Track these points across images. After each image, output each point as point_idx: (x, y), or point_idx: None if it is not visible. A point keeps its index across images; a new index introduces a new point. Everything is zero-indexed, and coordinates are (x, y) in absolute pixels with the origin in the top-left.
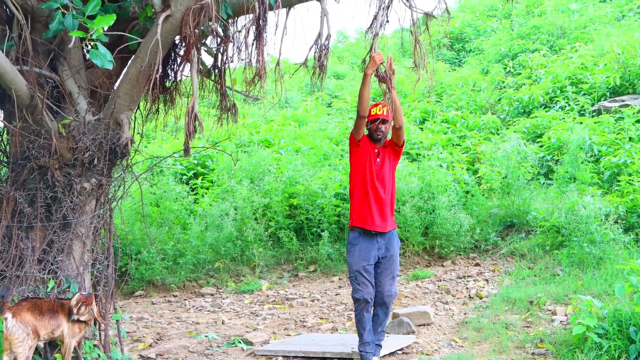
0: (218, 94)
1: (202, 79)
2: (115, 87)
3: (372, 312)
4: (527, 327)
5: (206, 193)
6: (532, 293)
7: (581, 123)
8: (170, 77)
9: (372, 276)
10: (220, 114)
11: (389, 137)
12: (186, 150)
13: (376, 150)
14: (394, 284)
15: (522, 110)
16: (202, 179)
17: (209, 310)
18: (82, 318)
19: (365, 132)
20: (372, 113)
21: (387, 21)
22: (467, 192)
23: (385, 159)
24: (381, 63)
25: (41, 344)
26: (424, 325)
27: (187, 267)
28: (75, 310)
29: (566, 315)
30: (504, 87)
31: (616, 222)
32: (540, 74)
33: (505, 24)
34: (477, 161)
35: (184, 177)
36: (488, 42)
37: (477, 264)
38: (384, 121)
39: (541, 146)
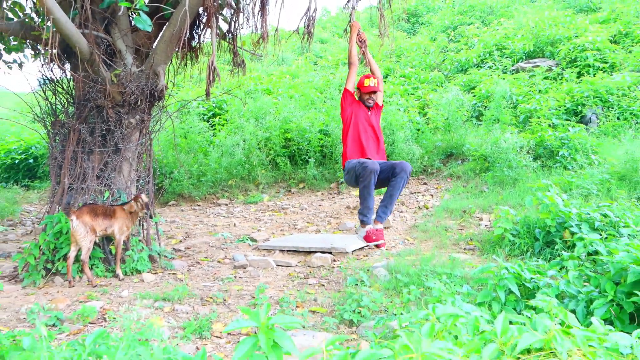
0: (231, 53)
1: (219, 41)
2: (153, 46)
3: (376, 183)
4: (461, 229)
5: (222, 129)
6: (465, 204)
7: (504, 79)
8: (195, 39)
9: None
10: (232, 69)
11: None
12: (207, 95)
13: (366, 110)
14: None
15: (461, 69)
16: (218, 118)
17: (224, 216)
18: (140, 212)
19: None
20: (366, 84)
21: None
22: (419, 130)
23: (373, 115)
24: (359, 29)
25: (97, 239)
26: (385, 228)
27: (208, 184)
28: (146, 204)
29: (490, 221)
30: (447, 51)
31: (528, 153)
32: (474, 41)
33: (448, 3)
34: (426, 106)
35: (205, 116)
36: (436, 16)
37: (425, 184)
38: (375, 92)
39: (474, 96)
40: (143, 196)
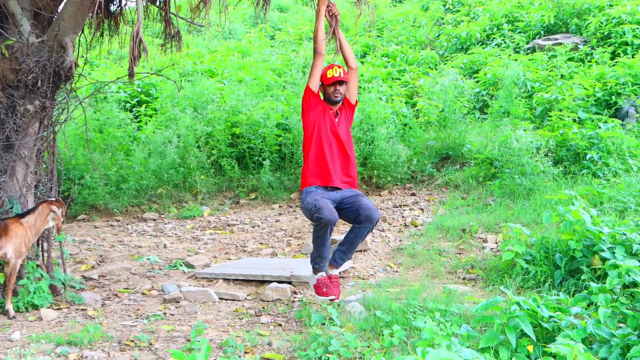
0: (163, 21)
1: (147, 5)
2: (59, 10)
3: (331, 235)
4: (459, 253)
5: (149, 120)
6: (464, 221)
7: (516, 60)
8: (114, 3)
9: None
10: (164, 42)
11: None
12: (130, 74)
13: (332, 111)
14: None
15: (460, 47)
16: (145, 107)
17: (151, 235)
18: (50, 223)
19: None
20: (329, 76)
21: None
22: (405, 125)
23: (342, 119)
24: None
25: None
26: (361, 251)
27: (130, 192)
28: (61, 212)
29: (496, 243)
30: (443, 23)
31: (546, 155)
32: (478, 11)
33: None
34: (416, 95)
35: (128, 104)
36: None
37: (413, 194)
38: (340, 82)
39: (477, 81)
40: (59, 201)
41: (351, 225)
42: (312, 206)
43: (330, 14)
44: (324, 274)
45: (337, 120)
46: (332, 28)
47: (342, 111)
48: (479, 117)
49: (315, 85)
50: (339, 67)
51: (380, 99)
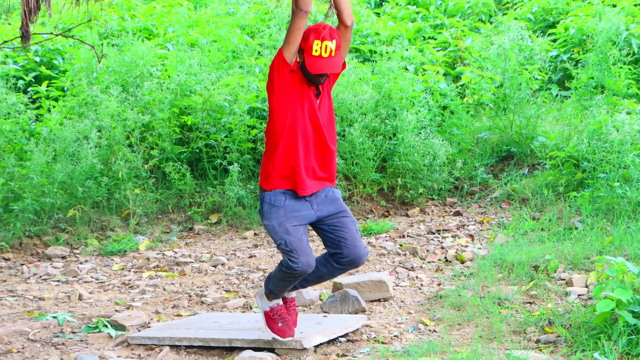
0: None
1: None
2: None
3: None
4: (530, 303)
5: (55, 106)
6: (537, 254)
7: (614, 6)
8: None
9: (307, 240)
10: None
11: None
12: (24, 37)
13: (312, 89)
14: (359, 238)
15: None
16: (48, 86)
17: (58, 280)
18: None
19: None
20: (316, 53)
21: None
22: (445, 108)
23: (324, 97)
24: None
25: None
26: (379, 300)
27: (26, 216)
28: None
29: (587, 287)
30: None
31: None
32: None
33: None
34: (460, 62)
35: (20, 82)
36: None
37: (458, 213)
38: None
39: (554, 40)
40: None
41: (325, 249)
42: (281, 240)
43: None
44: (280, 301)
45: (318, 102)
46: None
47: (324, 91)
48: (557, 95)
49: (291, 55)
50: (331, 35)
51: (406, 69)
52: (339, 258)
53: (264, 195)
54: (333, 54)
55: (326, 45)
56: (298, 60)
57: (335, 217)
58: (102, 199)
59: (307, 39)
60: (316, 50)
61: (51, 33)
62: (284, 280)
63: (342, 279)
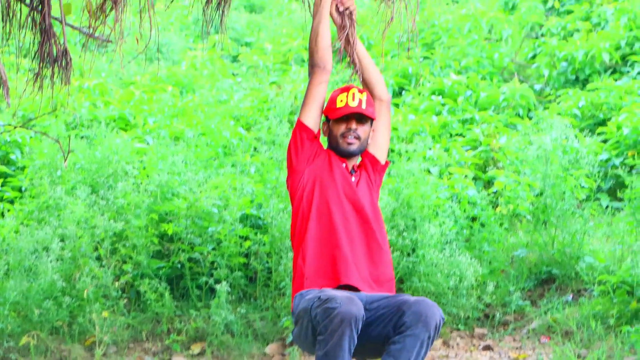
0: (37, 29)
1: (9, 1)
2: None
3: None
4: None
5: (10, 210)
6: None
7: None
8: None
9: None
10: (40, 67)
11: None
12: None
13: (345, 165)
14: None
15: (573, 77)
16: (2, 185)
17: None
18: None
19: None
20: (340, 104)
21: None
22: (474, 219)
23: (363, 182)
24: None
25: None
26: None
27: None
28: None
29: None
30: (542, 34)
31: None
32: (606, 12)
33: None
34: (493, 164)
35: None
36: None
37: (488, 347)
38: (360, 117)
39: (604, 141)
40: None
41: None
42: (313, 302)
43: (343, 8)
44: None
45: (354, 179)
46: (345, 33)
47: (362, 171)
48: (607, 207)
49: (312, 119)
50: (360, 89)
51: (429, 171)
52: (401, 318)
53: (295, 299)
54: (364, 106)
55: (353, 93)
56: (324, 133)
57: (388, 298)
58: (63, 324)
59: (333, 100)
60: (341, 101)
61: (8, 124)
62: (324, 354)
63: None
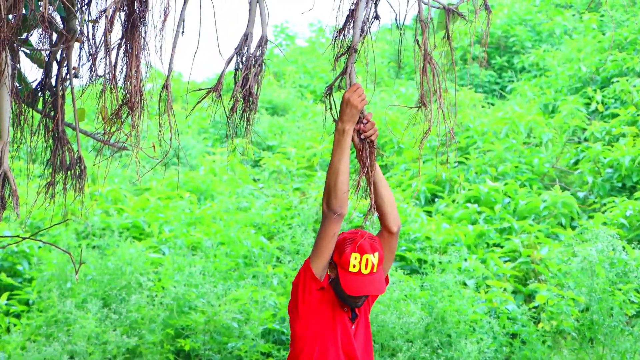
0: (50, 136)
1: (20, 108)
2: None
3: None
4: None
5: (16, 325)
6: None
7: None
8: None
9: None
10: (53, 175)
11: None
12: None
13: (347, 313)
14: None
15: (619, 184)
16: (8, 298)
17: None
18: None
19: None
20: (353, 269)
21: (376, 17)
22: (514, 336)
23: (361, 323)
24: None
25: None
26: None
27: None
28: None
29: None
30: (586, 139)
31: None
32: None
33: (590, 21)
34: (534, 277)
35: None
36: (557, 53)
37: None
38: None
39: None
40: None
41: None
42: None
43: (363, 137)
44: None
45: (353, 327)
46: (365, 161)
47: (361, 315)
48: None
49: (321, 269)
50: (372, 246)
51: (465, 284)
52: None
53: None
54: (375, 270)
55: (367, 260)
56: (329, 275)
57: None
58: None
59: (343, 251)
60: (354, 266)
61: (17, 236)
62: None
63: None
